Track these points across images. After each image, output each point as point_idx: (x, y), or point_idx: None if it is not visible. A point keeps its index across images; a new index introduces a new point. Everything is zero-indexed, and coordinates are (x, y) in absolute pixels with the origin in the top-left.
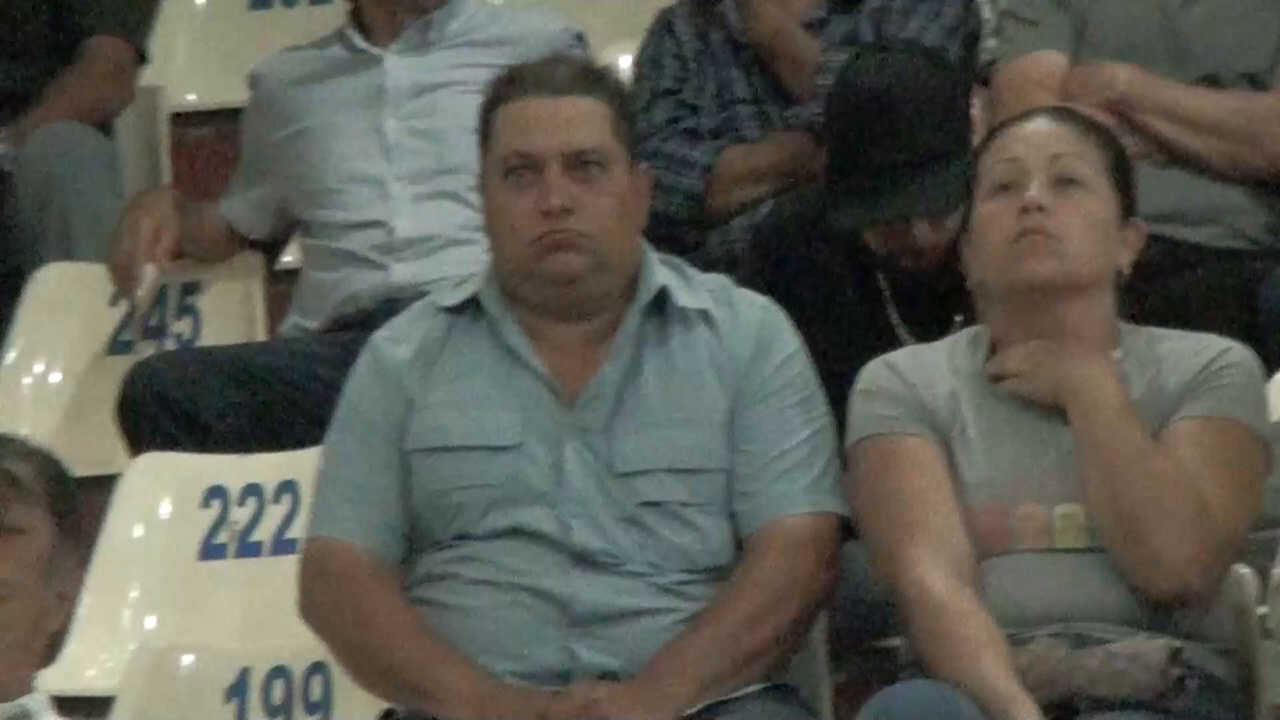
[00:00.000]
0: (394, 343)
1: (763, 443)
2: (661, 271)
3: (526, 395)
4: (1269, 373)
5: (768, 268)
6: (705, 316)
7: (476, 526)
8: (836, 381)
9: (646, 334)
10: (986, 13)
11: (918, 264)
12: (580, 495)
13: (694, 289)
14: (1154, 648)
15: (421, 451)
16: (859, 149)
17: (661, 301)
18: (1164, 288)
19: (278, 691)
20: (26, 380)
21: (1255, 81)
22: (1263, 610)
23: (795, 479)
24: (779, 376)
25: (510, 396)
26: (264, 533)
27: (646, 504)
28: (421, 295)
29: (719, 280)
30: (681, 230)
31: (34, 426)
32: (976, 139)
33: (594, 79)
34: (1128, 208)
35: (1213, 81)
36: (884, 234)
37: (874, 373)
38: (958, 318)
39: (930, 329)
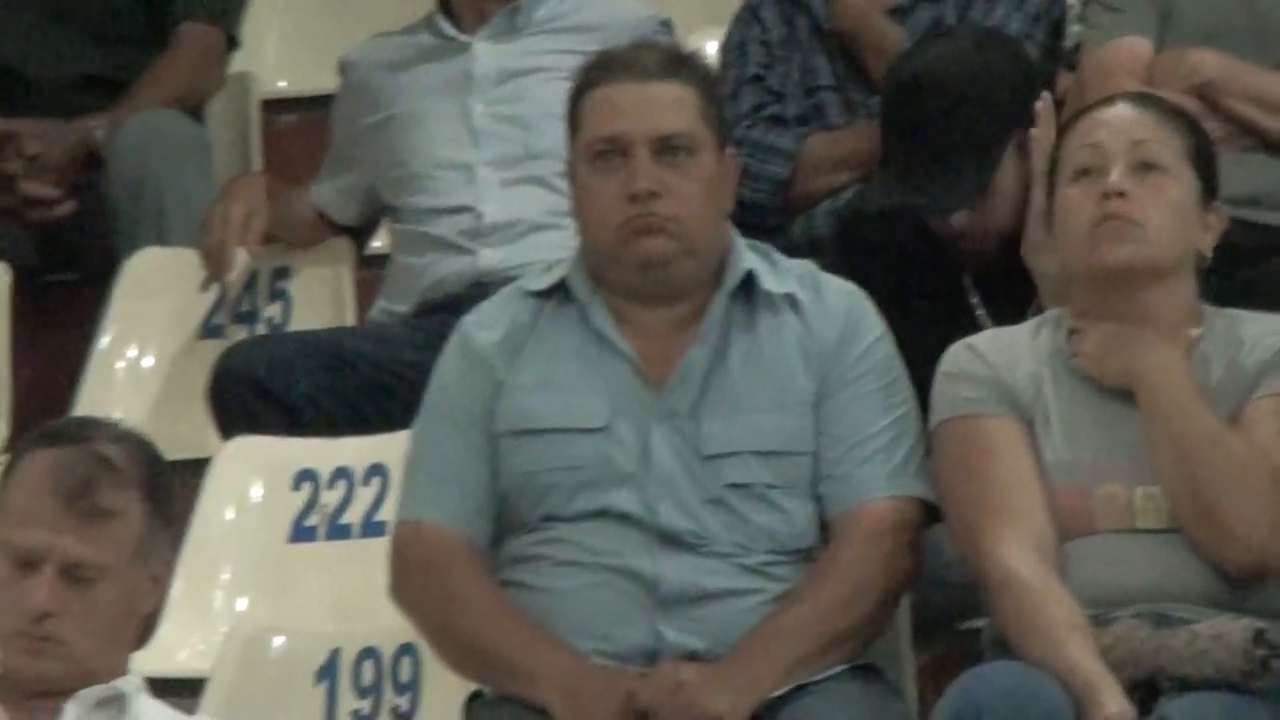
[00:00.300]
0: (482, 327)
1: (848, 427)
2: (749, 256)
3: (614, 378)
4: None
5: (849, 252)
6: (792, 301)
7: (564, 508)
8: (918, 365)
9: (733, 318)
10: None
11: (976, 246)
12: (667, 477)
13: (780, 274)
14: (1237, 628)
15: (510, 434)
16: (900, 132)
17: (748, 286)
18: (1247, 271)
19: (367, 673)
20: (120, 365)
21: None
22: None
23: (880, 463)
24: (864, 362)
25: (598, 380)
26: (353, 515)
27: (732, 486)
28: (509, 280)
29: (805, 265)
30: (767, 216)
31: (127, 410)
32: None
33: (681, 64)
34: (1209, 192)
35: None
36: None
37: (957, 355)
38: (1036, 300)
39: (1009, 312)
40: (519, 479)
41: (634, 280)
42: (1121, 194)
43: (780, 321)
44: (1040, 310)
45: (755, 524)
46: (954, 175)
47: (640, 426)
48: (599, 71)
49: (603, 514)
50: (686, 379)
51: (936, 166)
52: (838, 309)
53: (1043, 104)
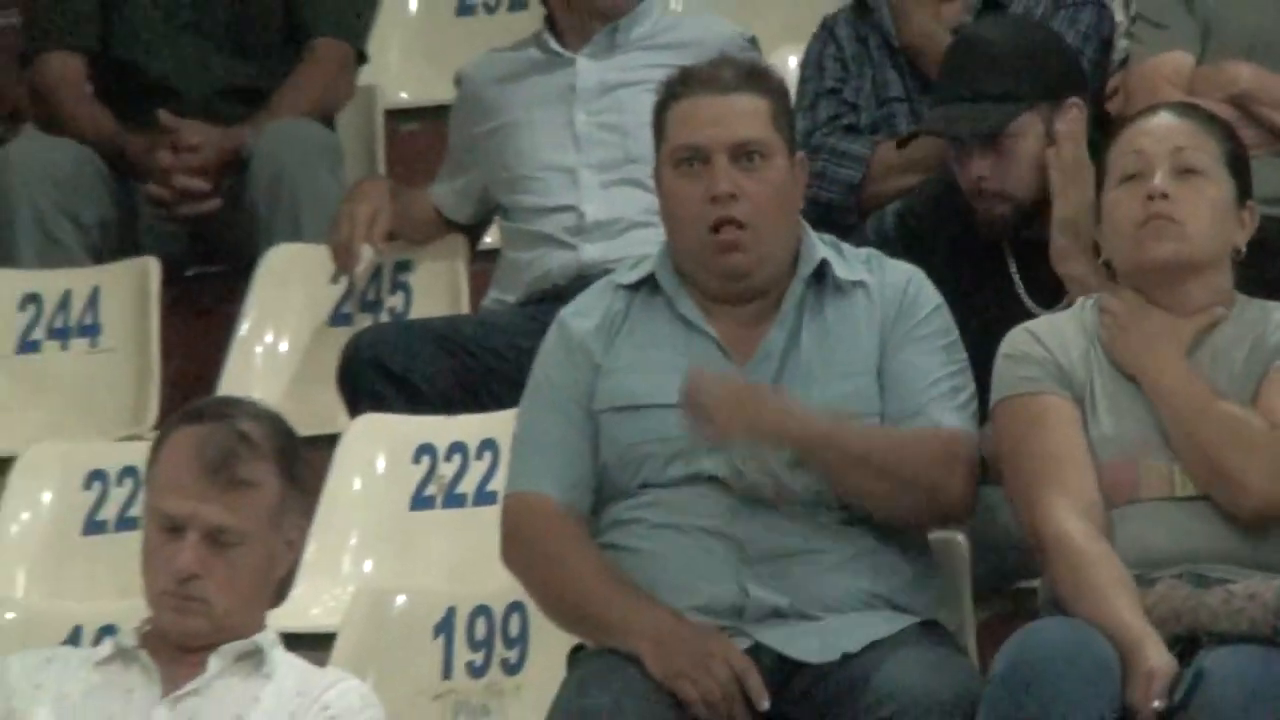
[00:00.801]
0: (579, 316)
1: (913, 377)
2: (821, 246)
3: (702, 358)
4: None
5: (911, 246)
6: (859, 285)
7: (659, 476)
8: (969, 345)
9: (807, 303)
10: (1120, 15)
11: (990, 206)
12: (752, 443)
13: (849, 263)
14: (1270, 588)
15: (610, 411)
16: (948, 76)
17: (821, 273)
18: (1277, 262)
19: (480, 628)
20: (258, 349)
21: None
22: None
23: (942, 404)
24: (924, 326)
25: (686, 360)
26: (468, 485)
27: None
28: (608, 272)
29: (870, 252)
30: (841, 216)
31: (264, 391)
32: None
33: (756, 77)
34: (1243, 192)
35: None
36: (957, 168)
37: (1016, 338)
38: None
39: (1050, 298)
40: (619, 450)
41: (716, 286)
42: (1165, 196)
43: (850, 303)
44: (1070, 305)
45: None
46: (980, 115)
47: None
48: (681, 86)
49: (694, 479)
50: (766, 357)
51: (967, 105)
52: (898, 284)
53: (1076, 107)
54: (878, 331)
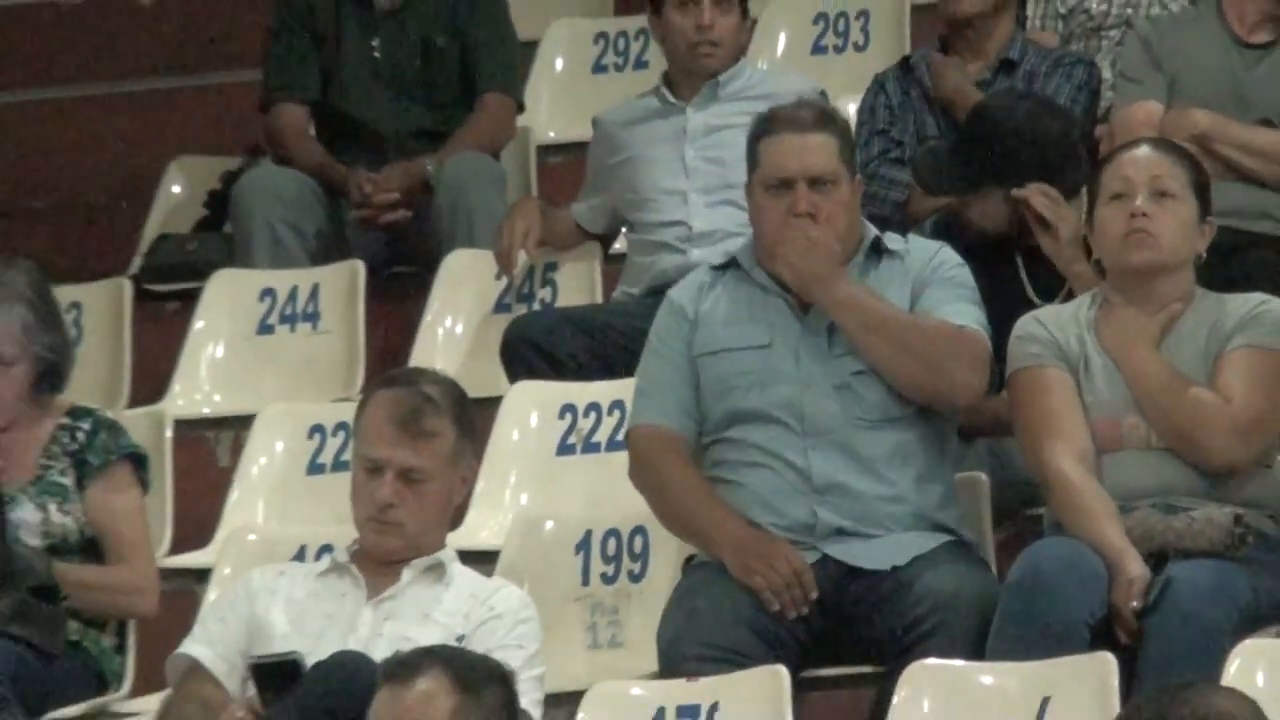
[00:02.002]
0: (680, 289)
1: (936, 301)
2: (870, 230)
3: (774, 312)
4: None
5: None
6: (898, 255)
7: (742, 402)
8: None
9: (864, 268)
10: (1106, 74)
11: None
12: (810, 372)
13: (892, 240)
14: (1223, 514)
15: (706, 354)
16: (967, 146)
17: (874, 249)
18: (1230, 263)
19: (611, 546)
20: (439, 331)
21: None
22: None
23: (963, 312)
24: (949, 274)
25: (762, 313)
26: (601, 436)
27: (855, 373)
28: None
29: (910, 236)
30: (891, 228)
31: (444, 363)
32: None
33: (827, 119)
34: (1204, 210)
35: (1266, 122)
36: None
37: (1026, 324)
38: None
39: (1049, 292)
40: (712, 384)
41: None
42: (1144, 214)
43: (890, 267)
44: (1071, 295)
45: (871, 399)
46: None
47: (794, 341)
48: (770, 124)
49: (767, 415)
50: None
51: (959, 169)
52: (930, 250)
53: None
54: (910, 285)
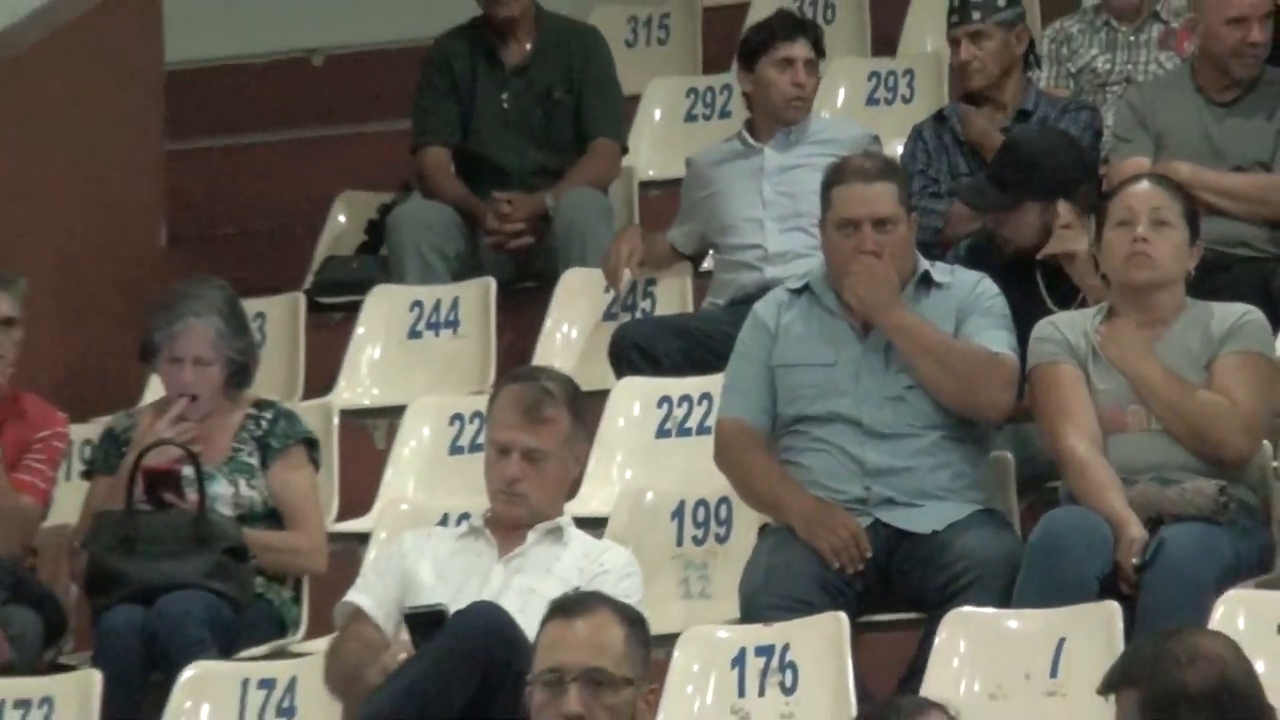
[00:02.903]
0: (764, 305)
1: (976, 329)
2: (924, 262)
3: (839, 334)
4: (1275, 324)
5: (975, 268)
6: (945, 286)
7: (808, 409)
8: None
9: (911, 297)
10: (1109, 121)
11: (1001, 247)
12: (867, 387)
13: (940, 272)
14: (1210, 485)
15: (780, 366)
16: (997, 170)
17: (924, 280)
18: (1214, 278)
19: (700, 514)
20: (557, 336)
21: (1264, 166)
22: (1275, 464)
23: (999, 340)
24: (988, 304)
25: (829, 334)
26: (692, 422)
27: (908, 388)
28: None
29: (953, 266)
30: (931, 250)
31: (562, 362)
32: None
33: (889, 169)
34: (1194, 235)
35: (1238, 168)
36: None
37: (1043, 327)
38: (1081, 297)
39: (1065, 302)
40: (784, 391)
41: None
42: (1145, 239)
43: (938, 296)
44: (1084, 304)
45: (920, 409)
46: (996, 198)
47: (856, 359)
48: (841, 173)
49: (831, 417)
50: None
51: (995, 189)
52: (971, 282)
53: (1063, 204)
54: (954, 313)
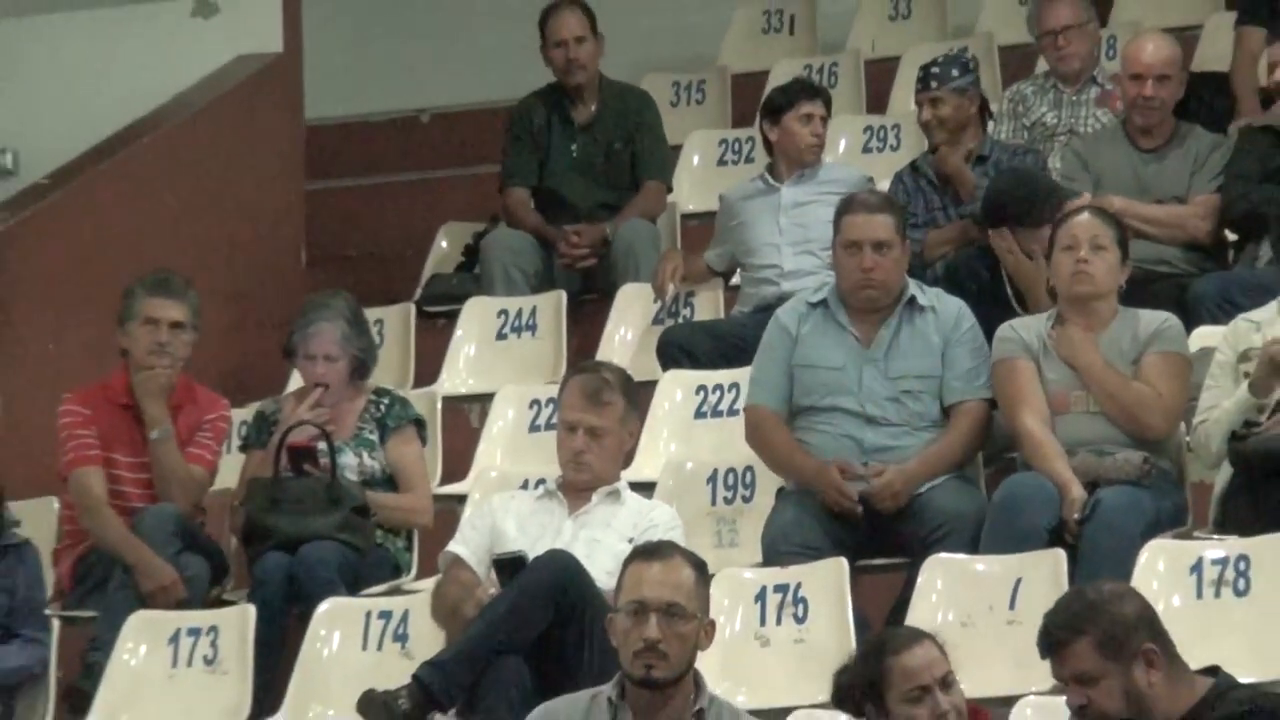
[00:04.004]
0: (786, 313)
1: (956, 365)
2: (911, 286)
3: (846, 343)
4: (1189, 328)
5: (953, 282)
6: (931, 309)
7: (819, 402)
8: (986, 332)
9: (903, 316)
10: (1057, 164)
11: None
12: (870, 389)
13: (926, 295)
14: (1136, 455)
15: (800, 366)
16: (991, 202)
17: (911, 301)
18: (1141, 291)
19: (730, 479)
20: (616, 337)
21: (1180, 200)
22: (1187, 439)
23: (971, 381)
24: (965, 335)
25: (839, 342)
26: (723, 407)
27: (904, 391)
28: (791, 295)
29: (937, 291)
30: (911, 270)
31: (617, 358)
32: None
33: (890, 203)
34: (1125, 255)
35: (1159, 201)
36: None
37: (1003, 329)
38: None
39: (1026, 308)
40: (799, 387)
41: (861, 306)
42: (1086, 261)
43: (925, 318)
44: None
45: (912, 409)
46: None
47: (859, 366)
48: (850, 204)
49: (836, 408)
50: (881, 343)
51: (993, 219)
52: (952, 310)
53: (1000, 235)
54: (940, 335)
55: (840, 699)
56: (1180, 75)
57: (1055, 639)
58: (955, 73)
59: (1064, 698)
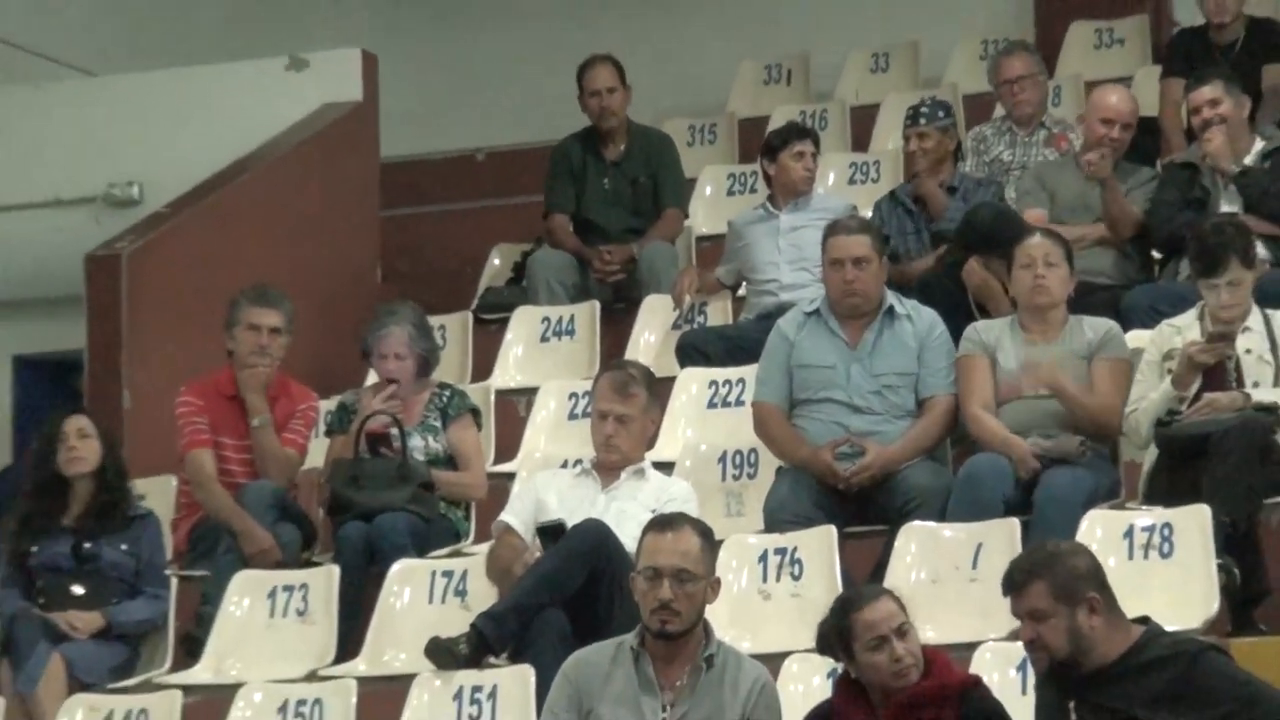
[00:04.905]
0: (786, 322)
1: (930, 365)
2: (890, 297)
3: (837, 346)
4: (1125, 331)
5: (927, 296)
6: (909, 317)
7: (814, 395)
8: (953, 334)
9: (885, 322)
10: (1011, 193)
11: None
12: (857, 384)
13: (903, 305)
14: (1075, 439)
15: (797, 366)
16: (976, 232)
17: (890, 310)
18: (1084, 300)
19: (737, 459)
20: (641, 340)
21: None
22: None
23: (941, 378)
24: (937, 340)
25: (830, 345)
26: (732, 398)
27: (885, 386)
28: (791, 305)
29: (913, 303)
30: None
31: (642, 357)
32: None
33: (866, 225)
34: (1071, 270)
35: (1098, 219)
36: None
37: (968, 331)
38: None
39: (986, 314)
40: (798, 383)
41: (848, 313)
42: (1042, 276)
43: (903, 324)
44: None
45: (892, 401)
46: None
47: (847, 364)
48: (834, 228)
49: (828, 399)
50: (865, 344)
51: (970, 246)
52: (927, 318)
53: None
54: (916, 340)
55: (821, 648)
56: (1134, 124)
57: (1016, 580)
58: (940, 114)
59: (1017, 643)
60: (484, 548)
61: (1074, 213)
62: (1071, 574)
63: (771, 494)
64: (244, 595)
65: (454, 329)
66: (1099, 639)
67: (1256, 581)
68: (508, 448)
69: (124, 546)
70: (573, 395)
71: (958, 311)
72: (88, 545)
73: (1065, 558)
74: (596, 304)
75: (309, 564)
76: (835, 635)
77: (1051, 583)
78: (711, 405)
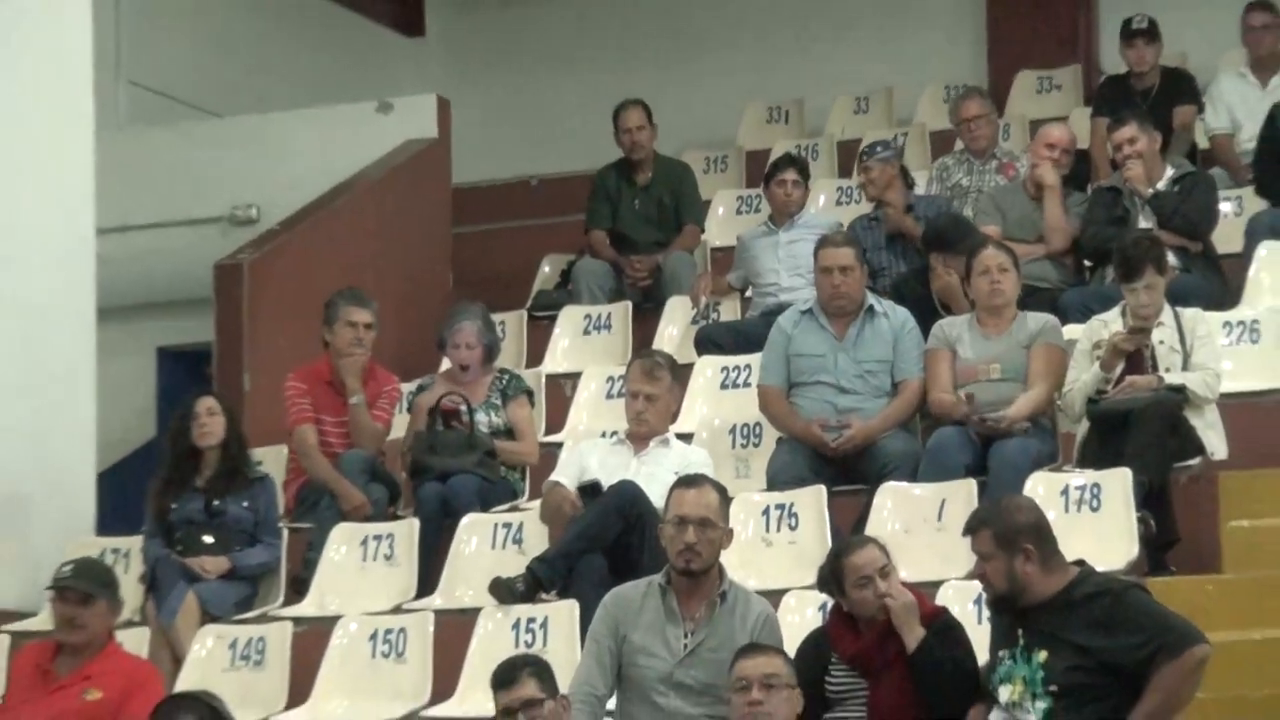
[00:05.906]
0: (785, 319)
1: (903, 354)
2: (870, 297)
3: (826, 338)
4: (1062, 325)
5: (898, 295)
6: (885, 314)
7: (808, 379)
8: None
9: (866, 319)
10: (969, 212)
11: (945, 276)
12: (843, 369)
13: (881, 305)
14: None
15: (794, 355)
16: (936, 233)
17: (870, 309)
18: (1028, 299)
19: (744, 431)
20: (665, 334)
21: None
22: (1057, 401)
23: (912, 364)
24: (909, 333)
25: (821, 337)
26: (740, 380)
27: (866, 371)
28: (789, 305)
29: (889, 303)
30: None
31: (668, 348)
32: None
33: (851, 239)
34: (1019, 275)
35: (1039, 237)
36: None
37: (935, 327)
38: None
39: (951, 312)
40: (795, 368)
41: (835, 312)
42: (998, 281)
43: (881, 320)
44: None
45: (871, 384)
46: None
47: (834, 353)
48: (824, 241)
49: (819, 382)
50: (850, 337)
51: (934, 248)
52: (901, 316)
53: (940, 263)
54: (892, 333)
55: (820, 586)
56: (1073, 150)
57: (970, 525)
58: (879, 149)
59: (975, 582)
60: (537, 504)
61: (1021, 228)
62: (1011, 526)
63: (773, 460)
64: (342, 544)
65: (512, 324)
66: (1033, 581)
67: (1168, 531)
68: (556, 422)
69: (245, 504)
70: (610, 379)
71: (925, 309)
72: (216, 503)
73: (1009, 513)
74: (629, 304)
75: (394, 518)
76: (830, 575)
77: (995, 531)
78: (724, 387)
